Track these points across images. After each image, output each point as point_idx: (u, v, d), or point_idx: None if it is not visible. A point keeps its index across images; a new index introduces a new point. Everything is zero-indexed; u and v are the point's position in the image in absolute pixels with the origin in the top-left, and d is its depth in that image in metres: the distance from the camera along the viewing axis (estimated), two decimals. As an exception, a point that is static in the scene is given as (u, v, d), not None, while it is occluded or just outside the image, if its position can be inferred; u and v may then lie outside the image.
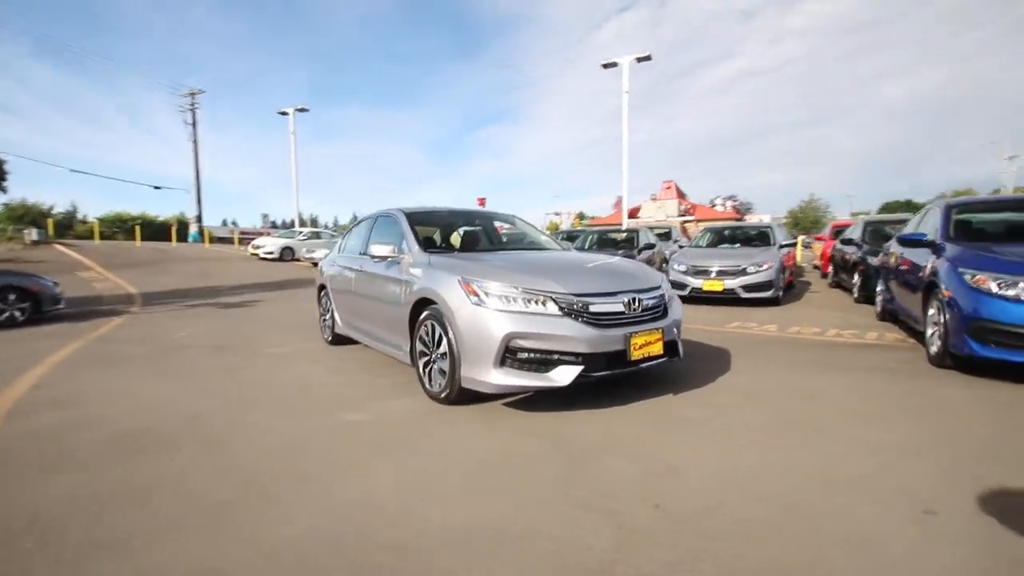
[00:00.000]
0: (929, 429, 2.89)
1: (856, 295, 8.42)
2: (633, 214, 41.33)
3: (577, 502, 2.14)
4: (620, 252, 10.16)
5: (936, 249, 4.51)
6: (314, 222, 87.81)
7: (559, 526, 1.97)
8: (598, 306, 3.16)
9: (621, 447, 2.68)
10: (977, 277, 3.69)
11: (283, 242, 20.96)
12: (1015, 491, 2.17)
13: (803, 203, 62.25)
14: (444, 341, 3.32)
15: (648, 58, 18.33)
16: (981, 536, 1.86)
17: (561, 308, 3.09)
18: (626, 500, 2.14)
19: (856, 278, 8.53)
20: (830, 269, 10.97)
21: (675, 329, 3.50)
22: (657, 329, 3.30)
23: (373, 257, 4.17)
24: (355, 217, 19.22)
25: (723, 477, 2.34)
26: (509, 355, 3.01)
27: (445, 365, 3.34)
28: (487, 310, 3.09)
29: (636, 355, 3.17)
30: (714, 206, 45.32)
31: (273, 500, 2.21)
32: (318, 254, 19.50)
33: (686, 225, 33.57)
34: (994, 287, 3.56)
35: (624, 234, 11.90)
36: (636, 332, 3.19)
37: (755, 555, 1.77)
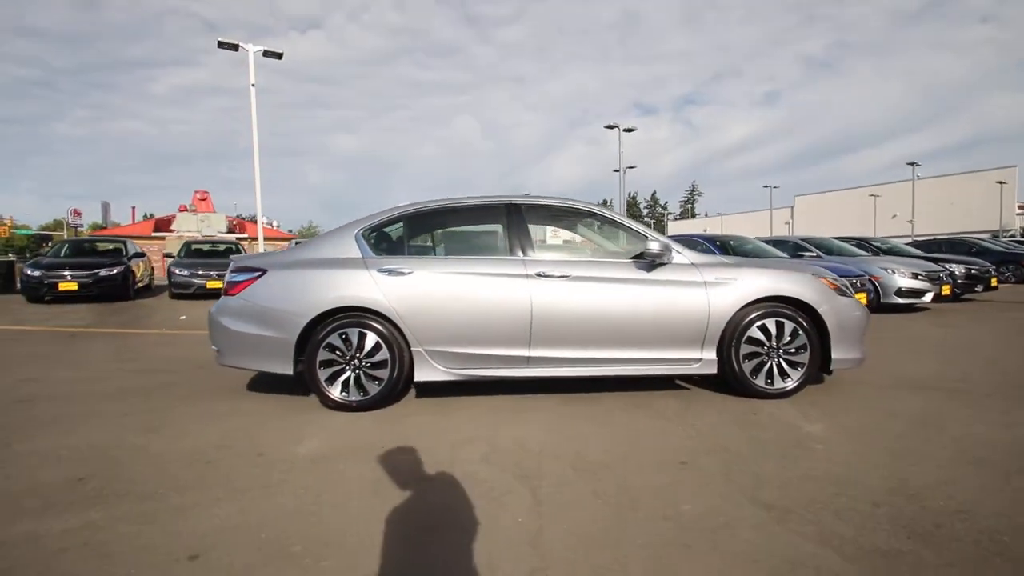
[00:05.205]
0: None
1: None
2: (164, 226, 33.36)
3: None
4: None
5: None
6: None
7: None
8: None
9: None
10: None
11: None
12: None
13: (303, 228, 70.38)
14: (800, 335, 3.52)
15: (279, 55, 16.51)
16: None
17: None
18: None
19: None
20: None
21: None
22: None
23: (633, 260, 3.45)
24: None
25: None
26: (863, 333, 3.72)
27: (800, 358, 3.54)
28: (851, 299, 3.66)
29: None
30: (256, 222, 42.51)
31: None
32: None
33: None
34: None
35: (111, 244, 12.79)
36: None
37: None
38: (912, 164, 39.85)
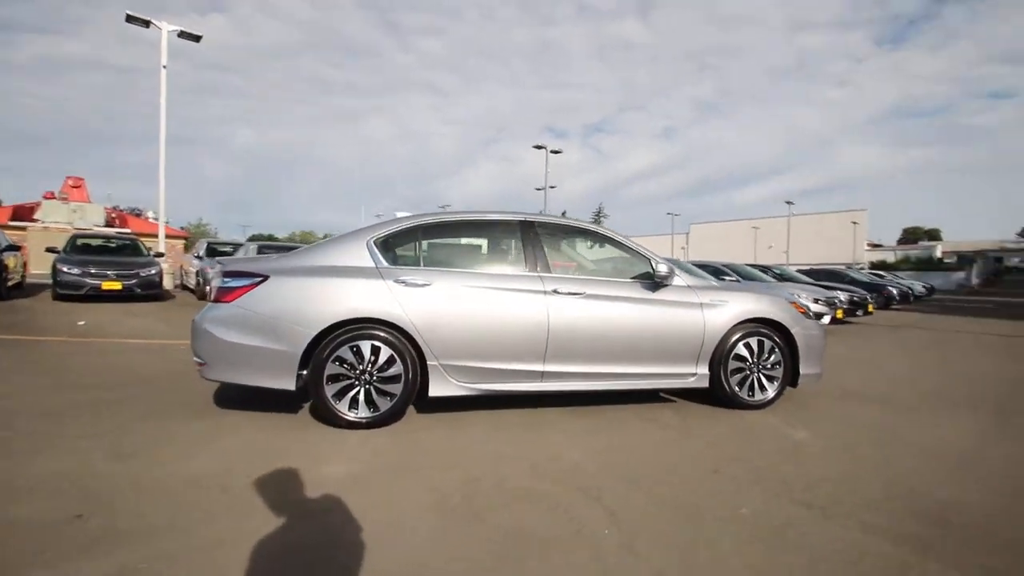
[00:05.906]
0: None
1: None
2: (26, 214, 28.46)
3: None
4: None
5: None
6: None
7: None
8: None
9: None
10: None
11: None
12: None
13: (191, 224, 64.12)
14: (776, 352, 3.95)
15: (197, 38, 15.09)
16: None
17: None
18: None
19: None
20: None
21: None
22: None
23: (638, 280, 3.74)
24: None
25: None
26: (820, 352, 4.25)
27: (776, 373, 3.96)
28: (813, 322, 4.16)
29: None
30: (140, 215, 37.68)
31: None
32: None
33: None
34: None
35: None
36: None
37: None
38: (788, 203, 45.61)
